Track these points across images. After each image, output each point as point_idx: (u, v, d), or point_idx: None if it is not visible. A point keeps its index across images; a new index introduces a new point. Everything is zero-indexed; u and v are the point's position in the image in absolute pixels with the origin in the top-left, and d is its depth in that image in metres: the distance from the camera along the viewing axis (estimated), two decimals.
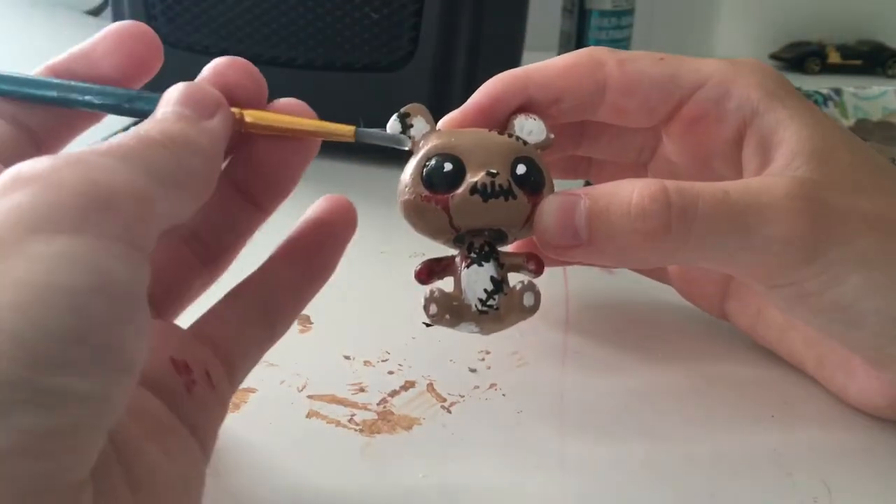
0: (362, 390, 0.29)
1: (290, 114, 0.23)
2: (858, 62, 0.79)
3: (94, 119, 0.23)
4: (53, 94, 0.21)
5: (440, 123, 0.26)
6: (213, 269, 0.24)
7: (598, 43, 0.66)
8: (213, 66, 0.22)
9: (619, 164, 0.32)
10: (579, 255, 0.24)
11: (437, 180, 0.24)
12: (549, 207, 0.24)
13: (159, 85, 0.21)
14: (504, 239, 0.25)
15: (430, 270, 0.25)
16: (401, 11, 0.48)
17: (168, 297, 0.23)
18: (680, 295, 0.33)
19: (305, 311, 0.34)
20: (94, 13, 0.90)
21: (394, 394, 0.29)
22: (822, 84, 0.57)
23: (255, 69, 0.23)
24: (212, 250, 0.24)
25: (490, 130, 0.25)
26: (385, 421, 0.27)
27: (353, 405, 0.28)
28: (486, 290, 0.23)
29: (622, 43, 0.67)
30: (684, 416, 0.28)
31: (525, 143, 0.25)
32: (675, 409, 0.29)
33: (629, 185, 0.23)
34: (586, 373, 0.30)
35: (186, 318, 0.23)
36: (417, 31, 0.48)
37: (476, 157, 0.24)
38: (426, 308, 0.23)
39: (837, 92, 0.54)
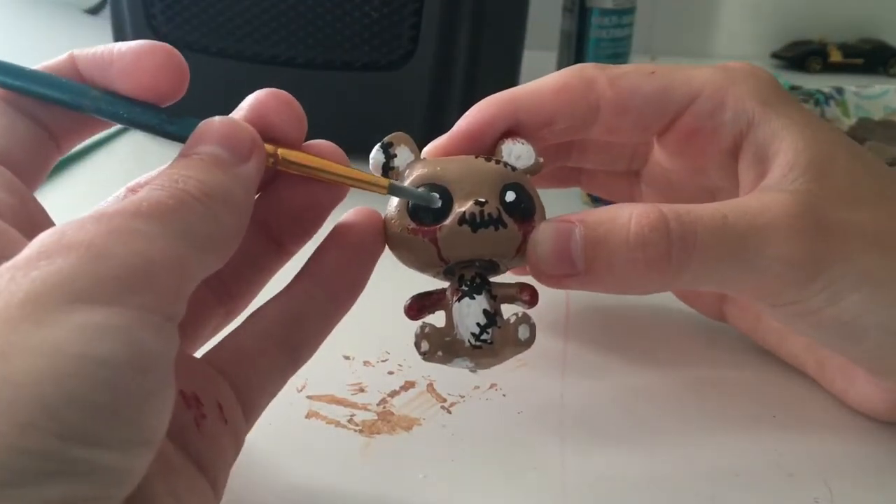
0: (362, 390, 0.29)
1: (324, 157, 0.22)
2: (860, 61, 0.78)
3: (110, 124, 0.22)
4: (66, 97, 0.21)
5: (425, 151, 0.25)
6: (231, 308, 0.24)
7: (598, 42, 0.66)
8: (256, 98, 0.21)
9: (611, 172, 0.32)
10: (575, 284, 0.23)
11: (424, 211, 0.23)
12: (543, 236, 0.23)
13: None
14: (496, 269, 0.24)
15: (420, 306, 0.24)
16: (401, 10, 0.48)
17: (183, 334, 0.22)
18: (678, 298, 0.33)
19: None
20: (93, 12, 0.90)
21: (394, 394, 0.29)
22: (823, 83, 0.57)
23: (297, 105, 0.22)
24: (230, 289, 0.23)
25: (476, 157, 0.24)
26: (385, 421, 0.27)
27: (353, 405, 0.28)
28: (478, 324, 0.22)
29: (623, 42, 0.67)
30: (685, 417, 0.28)
31: (513, 168, 0.24)
32: (676, 409, 0.28)
33: (625, 211, 0.23)
34: (586, 373, 0.30)
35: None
36: (417, 30, 0.48)
37: (463, 185, 0.23)
38: (417, 345, 0.22)
39: (839, 91, 0.54)
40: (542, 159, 0.25)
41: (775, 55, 0.82)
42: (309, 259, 0.23)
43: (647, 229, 0.22)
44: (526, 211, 0.23)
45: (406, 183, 0.23)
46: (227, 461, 0.20)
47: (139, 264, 0.15)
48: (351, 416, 0.28)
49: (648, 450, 0.26)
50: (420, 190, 0.23)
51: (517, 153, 0.24)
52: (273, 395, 0.22)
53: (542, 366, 0.30)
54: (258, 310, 0.22)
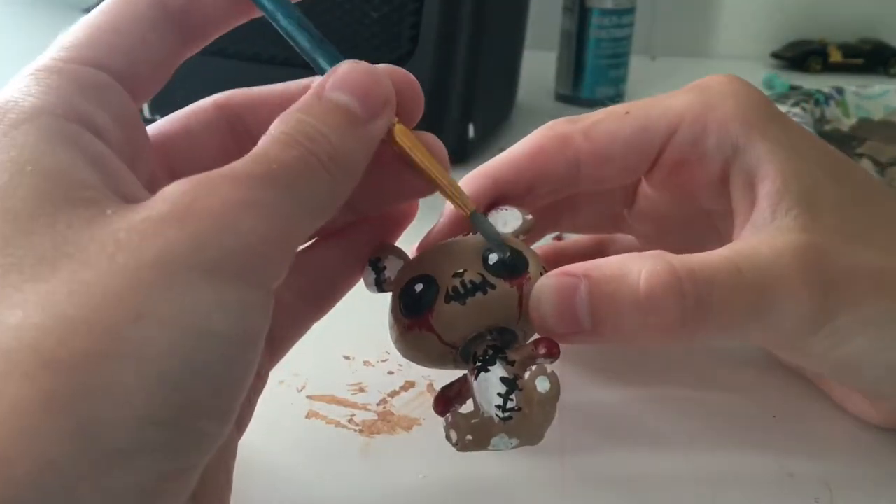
0: (362, 390, 0.29)
1: (431, 147, 0.21)
2: (860, 61, 0.78)
3: (250, 14, 0.21)
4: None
5: (414, 248, 0.25)
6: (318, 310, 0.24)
7: (598, 42, 0.66)
8: (387, 68, 0.20)
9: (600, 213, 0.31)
10: (581, 340, 0.22)
11: (413, 305, 0.22)
12: (545, 293, 0.21)
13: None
14: (512, 338, 0.22)
15: (446, 399, 0.23)
16: (400, 10, 0.48)
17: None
18: None
19: None
20: None
21: (394, 394, 0.29)
22: (823, 83, 0.57)
23: (417, 84, 0.21)
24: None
25: (457, 237, 0.23)
26: (385, 421, 0.27)
27: (353, 405, 0.28)
28: (499, 395, 0.20)
29: (623, 42, 0.67)
30: (685, 418, 0.28)
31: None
32: (676, 409, 0.28)
33: (634, 266, 0.21)
34: (586, 373, 0.30)
35: None
36: (417, 30, 0.48)
37: (445, 267, 0.22)
38: (448, 438, 0.21)
39: (839, 91, 0.54)
40: (529, 216, 0.24)
41: (775, 55, 0.82)
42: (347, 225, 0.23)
43: (658, 291, 0.21)
44: (515, 267, 0.22)
45: (396, 288, 0.23)
46: (253, 408, 0.22)
47: (260, 240, 0.15)
48: (351, 416, 0.28)
49: (648, 450, 0.26)
50: (490, 228, 0.22)
51: (504, 220, 0.24)
52: (296, 341, 0.23)
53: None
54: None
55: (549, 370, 0.21)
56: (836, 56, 0.79)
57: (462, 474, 0.25)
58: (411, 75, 0.21)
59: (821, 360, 0.24)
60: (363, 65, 0.19)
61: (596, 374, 0.30)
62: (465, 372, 0.22)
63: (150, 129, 0.21)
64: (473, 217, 0.22)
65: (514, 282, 0.22)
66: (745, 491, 0.25)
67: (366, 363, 0.30)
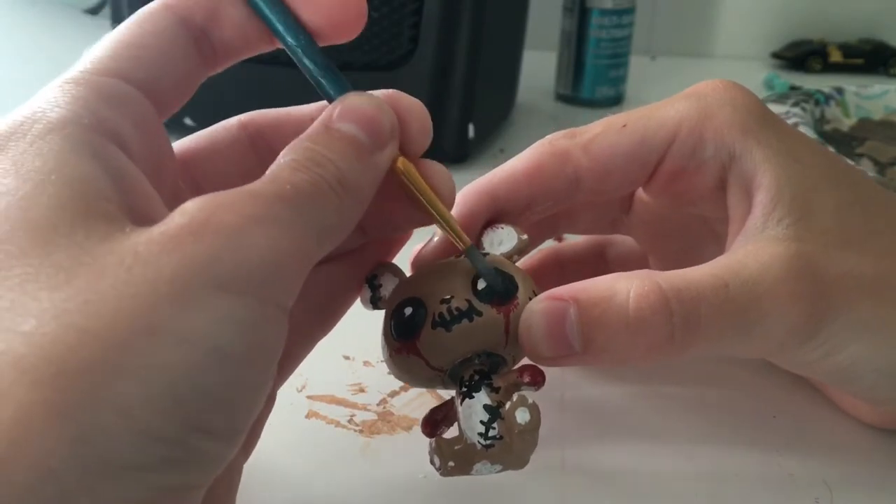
0: (362, 391, 0.29)
1: (434, 177, 0.21)
2: (860, 61, 0.78)
3: (271, 46, 0.22)
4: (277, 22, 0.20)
5: (412, 261, 0.25)
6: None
7: (598, 42, 0.66)
8: (394, 96, 0.20)
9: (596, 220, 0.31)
10: (572, 362, 0.22)
11: (403, 329, 0.22)
12: (535, 319, 0.21)
13: None
14: (499, 362, 0.22)
15: (433, 421, 0.23)
16: (401, 10, 0.48)
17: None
18: None
19: None
20: (93, 12, 0.90)
21: (393, 394, 0.29)
22: (823, 83, 0.57)
23: (429, 119, 0.21)
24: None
25: (449, 259, 0.24)
26: (385, 421, 0.27)
27: (353, 405, 0.28)
28: (482, 422, 0.21)
29: (623, 41, 0.67)
30: (685, 417, 0.28)
31: (485, 255, 0.23)
32: (676, 409, 0.28)
33: (622, 286, 0.21)
34: (586, 373, 0.30)
35: None
36: (417, 30, 0.48)
37: (434, 291, 0.22)
38: (432, 462, 0.21)
39: (839, 91, 0.54)
40: (525, 237, 0.24)
41: (775, 55, 0.82)
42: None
43: (647, 311, 0.21)
44: (503, 293, 0.22)
45: (388, 309, 0.23)
46: (261, 430, 0.22)
47: (274, 256, 0.15)
48: (351, 416, 0.28)
49: (648, 449, 0.26)
50: (487, 269, 0.22)
51: (499, 239, 0.24)
52: (302, 359, 0.23)
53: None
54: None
55: (529, 401, 0.21)
56: (836, 56, 0.79)
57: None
58: (420, 103, 0.21)
59: (815, 369, 0.24)
60: (369, 96, 0.19)
61: (596, 373, 0.30)
62: (453, 395, 0.22)
63: (177, 145, 0.22)
64: (469, 252, 0.22)
65: (501, 308, 0.22)
66: (745, 491, 0.25)
67: (366, 363, 0.30)
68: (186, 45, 0.19)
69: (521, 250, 0.24)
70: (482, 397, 0.21)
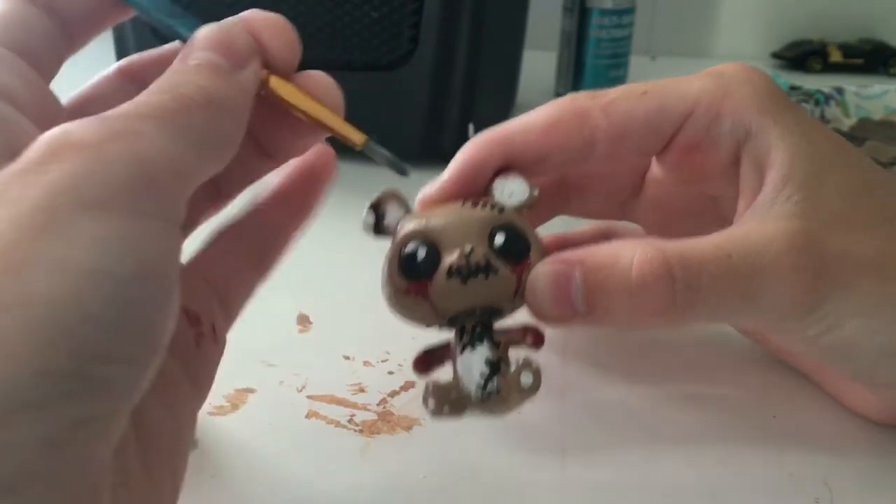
0: (362, 390, 0.29)
1: (316, 90, 0.21)
2: (860, 61, 0.78)
3: (124, 15, 0.22)
4: None
5: (418, 199, 0.25)
6: (218, 204, 0.24)
7: (598, 42, 0.66)
8: (245, 20, 0.21)
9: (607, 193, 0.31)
10: (576, 324, 0.23)
11: (413, 270, 0.22)
12: (541, 281, 0.22)
13: None
14: (499, 314, 0.23)
15: (427, 361, 0.24)
16: (400, 10, 0.48)
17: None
18: None
19: (305, 311, 0.34)
20: None
21: (393, 394, 0.29)
22: (823, 83, 0.57)
23: (292, 31, 0.21)
24: (220, 188, 0.23)
25: (465, 202, 0.23)
26: (385, 421, 0.27)
27: (353, 405, 0.28)
28: (482, 375, 0.22)
29: (623, 41, 0.67)
30: (686, 417, 0.28)
31: (502, 209, 0.23)
32: (677, 409, 0.28)
33: (626, 251, 0.22)
34: (586, 373, 0.30)
35: None
36: (417, 30, 0.48)
37: (450, 236, 0.22)
38: (425, 403, 0.22)
39: (839, 91, 0.54)
40: (536, 192, 0.24)
41: (775, 55, 0.82)
42: (270, 188, 0.24)
43: (649, 276, 0.21)
44: (519, 252, 0.22)
45: (395, 241, 0.23)
46: (213, 373, 0.21)
47: (144, 169, 0.15)
48: (351, 416, 0.28)
49: (648, 450, 0.26)
50: (391, 155, 0.23)
51: (510, 189, 0.24)
52: (246, 303, 0.23)
53: (542, 366, 0.30)
54: (227, 229, 0.22)
55: (534, 365, 0.22)
56: (836, 56, 0.79)
57: (462, 474, 0.25)
58: (281, 18, 0.21)
59: (813, 345, 0.24)
60: (220, 24, 0.20)
61: (596, 373, 0.30)
62: (450, 338, 0.23)
63: (65, 101, 0.22)
64: (367, 148, 0.22)
65: (516, 267, 0.22)
66: (745, 490, 0.25)
67: (366, 363, 0.30)
68: (41, 22, 0.20)
69: (531, 205, 0.24)
70: (483, 350, 0.22)
